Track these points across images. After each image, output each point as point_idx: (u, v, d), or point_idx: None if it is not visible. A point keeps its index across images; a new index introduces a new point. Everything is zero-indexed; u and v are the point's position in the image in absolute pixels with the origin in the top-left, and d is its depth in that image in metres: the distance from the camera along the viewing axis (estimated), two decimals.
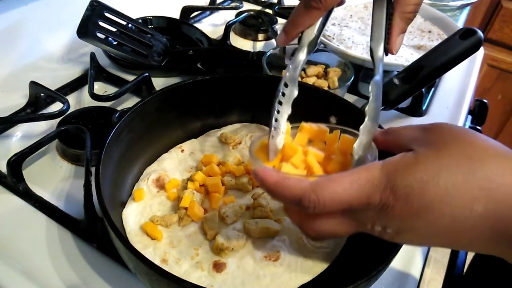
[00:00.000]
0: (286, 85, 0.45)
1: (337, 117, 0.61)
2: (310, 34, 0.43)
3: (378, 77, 0.42)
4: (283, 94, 0.45)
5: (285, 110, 0.46)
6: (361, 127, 0.41)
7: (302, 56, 0.44)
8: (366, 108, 0.42)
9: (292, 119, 0.66)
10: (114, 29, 0.75)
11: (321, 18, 0.42)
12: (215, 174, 0.55)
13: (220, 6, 1.06)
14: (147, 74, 0.72)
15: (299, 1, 0.41)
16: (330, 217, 0.35)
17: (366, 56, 0.82)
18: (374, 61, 0.44)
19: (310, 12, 0.41)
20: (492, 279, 0.55)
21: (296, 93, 0.45)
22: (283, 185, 0.35)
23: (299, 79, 0.75)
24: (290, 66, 0.44)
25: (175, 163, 0.59)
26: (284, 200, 0.37)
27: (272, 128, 0.45)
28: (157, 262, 0.46)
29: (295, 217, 0.39)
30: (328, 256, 0.50)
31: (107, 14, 0.74)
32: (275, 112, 0.46)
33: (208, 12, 1.05)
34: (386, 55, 0.44)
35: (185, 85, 0.59)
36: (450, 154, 0.32)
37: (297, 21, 0.42)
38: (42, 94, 0.68)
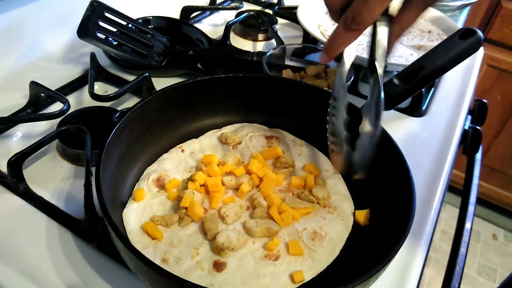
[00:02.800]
0: (334, 98, 0.51)
1: None
2: (351, 53, 0.49)
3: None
4: (334, 106, 0.51)
5: (341, 115, 0.51)
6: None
7: (345, 68, 0.50)
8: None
9: (293, 118, 0.66)
10: (114, 29, 0.75)
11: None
12: (215, 174, 0.55)
13: (220, 6, 1.07)
14: (147, 74, 0.72)
15: (337, 24, 0.45)
16: None
17: (366, 56, 0.82)
18: (374, 78, 0.48)
19: (350, 33, 0.44)
20: None
21: (347, 98, 0.51)
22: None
23: (299, 79, 0.75)
24: (336, 77, 0.50)
25: (175, 163, 0.59)
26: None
27: (330, 143, 0.52)
28: (157, 261, 0.46)
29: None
30: (328, 256, 0.50)
31: (107, 14, 0.74)
32: (330, 125, 0.52)
33: (208, 12, 1.05)
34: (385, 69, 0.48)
35: (185, 85, 0.59)
36: None
37: (338, 41, 0.45)
38: (42, 94, 0.68)
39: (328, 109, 0.52)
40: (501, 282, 0.79)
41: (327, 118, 0.52)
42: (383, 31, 0.46)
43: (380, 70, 0.47)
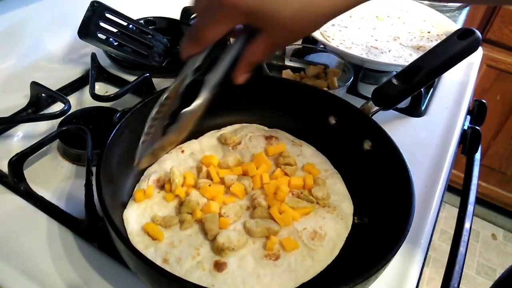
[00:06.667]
0: (167, 99, 0.47)
1: (336, 117, 0.62)
2: (194, 62, 0.45)
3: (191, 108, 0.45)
4: (162, 105, 0.47)
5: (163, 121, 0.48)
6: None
7: (184, 74, 0.46)
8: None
9: (292, 119, 0.67)
10: (115, 30, 0.75)
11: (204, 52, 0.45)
12: (216, 194, 0.54)
13: None
14: (147, 74, 0.72)
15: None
16: None
17: (366, 56, 0.82)
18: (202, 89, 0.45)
19: (193, 46, 0.44)
20: None
21: (176, 106, 0.47)
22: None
23: (299, 79, 0.76)
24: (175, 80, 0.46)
25: (175, 164, 0.59)
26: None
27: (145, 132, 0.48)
28: (158, 262, 0.47)
29: None
30: (328, 255, 0.50)
31: (108, 15, 0.74)
32: (151, 119, 0.48)
33: None
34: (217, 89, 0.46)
35: (185, 86, 0.59)
36: None
37: (184, 47, 0.44)
38: (43, 95, 0.69)
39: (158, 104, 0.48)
40: (495, 280, 0.80)
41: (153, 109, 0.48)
42: (233, 49, 0.44)
43: (209, 85, 0.45)
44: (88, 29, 0.70)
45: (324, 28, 0.89)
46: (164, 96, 0.47)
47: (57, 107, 0.68)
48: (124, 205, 0.53)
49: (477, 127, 0.80)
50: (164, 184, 0.55)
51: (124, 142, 0.53)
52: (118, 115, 0.59)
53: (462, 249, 0.61)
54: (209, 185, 0.54)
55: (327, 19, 0.39)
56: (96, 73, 0.74)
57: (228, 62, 0.44)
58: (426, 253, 0.55)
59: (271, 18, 0.37)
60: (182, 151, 0.61)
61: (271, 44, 0.41)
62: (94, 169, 0.48)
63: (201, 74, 0.45)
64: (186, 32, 0.43)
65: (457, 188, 0.83)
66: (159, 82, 0.75)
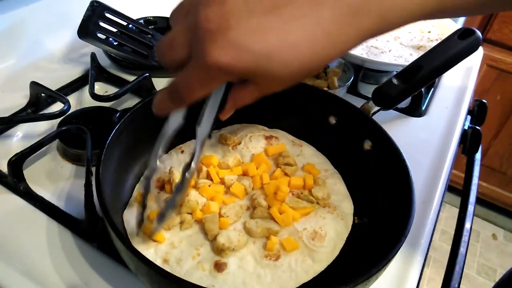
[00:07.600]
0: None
1: (336, 117, 0.62)
2: (177, 119, 0.44)
3: (193, 165, 0.44)
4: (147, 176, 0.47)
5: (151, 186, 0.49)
6: None
7: (167, 136, 0.45)
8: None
9: (292, 119, 0.66)
10: (114, 30, 0.75)
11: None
12: (215, 194, 0.54)
13: None
14: (147, 74, 0.72)
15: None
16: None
17: (366, 56, 0.82)
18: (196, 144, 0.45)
19: (175, 103, 0.40)
20: None
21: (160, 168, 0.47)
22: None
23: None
24: (156, 143, 0.45)
25: (175, 164, 0.59)
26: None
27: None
28: (158, 262, 0.46)
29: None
30: (328, 255, 0.50)
31: (107, 15, 0.74)
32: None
33: None
34: (209, 138, 0.45)
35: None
36: None
37: (163, 105, 0.41)
38: (43, 94, 0.69)
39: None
40: (497, 280, 0.80)
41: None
42: (218, 97, 0.42)
43: (199, 139, 0.44)
44: (87, 28, 0.70)
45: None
46: (154, 165, 0.46)
47: (57, 107, 0.67)
48: (124, 205, 0.52)
49: (477, 127, 0.80)
50: (164, 185, 0.55)
51: (124, 142, 0.52)
52: (118, 115, 0.59)
53: (462, 249, 0.61)
54: (209, 186, 0.54)
55: (324, 65, 0.36)
56: (95, 73, 0.74)
57: (215, 112, 0.43)
58: (427, 254, 0.55)
59: (268, 78, 0.34)
60: (182, 151, 0.61)
61: (263, 93, 0.38)
62: (93, 169, 0.48)
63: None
64: (167, 88, 0.38)
65: (458, 188, 0.83)
66: (159, 82, 0.75)
